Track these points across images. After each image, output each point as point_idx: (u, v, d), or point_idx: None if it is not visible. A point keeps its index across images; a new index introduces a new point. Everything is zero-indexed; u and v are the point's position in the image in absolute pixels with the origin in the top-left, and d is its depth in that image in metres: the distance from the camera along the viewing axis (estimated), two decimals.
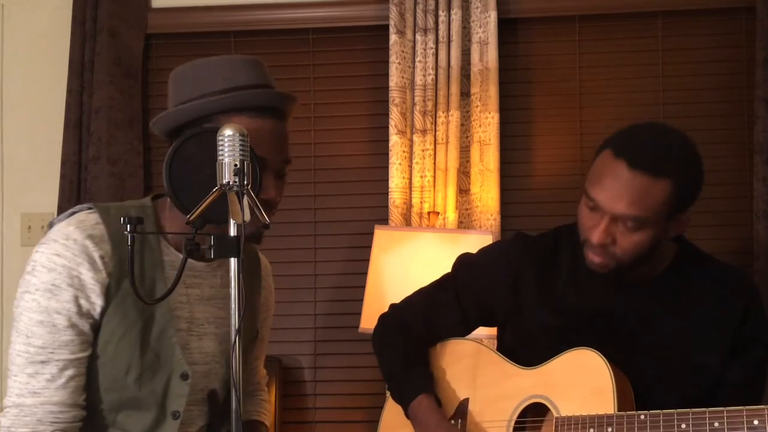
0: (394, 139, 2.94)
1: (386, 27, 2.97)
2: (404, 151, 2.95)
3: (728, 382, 1.71)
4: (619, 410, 1.59)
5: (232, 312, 1.25)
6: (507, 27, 3.03)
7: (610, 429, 1.58)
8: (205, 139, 1.34)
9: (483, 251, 1.94)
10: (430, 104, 2.95)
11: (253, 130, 1.33)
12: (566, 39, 3.07)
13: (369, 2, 3.07)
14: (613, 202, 1.59)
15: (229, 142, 1.22)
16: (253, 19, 3.14)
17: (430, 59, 2.95)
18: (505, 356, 1.80)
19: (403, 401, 1.80)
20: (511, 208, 3.01)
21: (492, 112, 2.91)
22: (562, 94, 3.07)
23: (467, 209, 2.97)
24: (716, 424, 1.50)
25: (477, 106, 2.93)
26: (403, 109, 2.95)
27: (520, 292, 1.81)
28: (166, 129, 1.51)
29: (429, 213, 2.87)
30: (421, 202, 2.94)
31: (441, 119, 2.94)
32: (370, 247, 2.68)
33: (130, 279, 1.26)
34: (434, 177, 2.95)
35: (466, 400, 1.80)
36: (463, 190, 2.98)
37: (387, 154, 2.96)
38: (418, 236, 2.65)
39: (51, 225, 1.51)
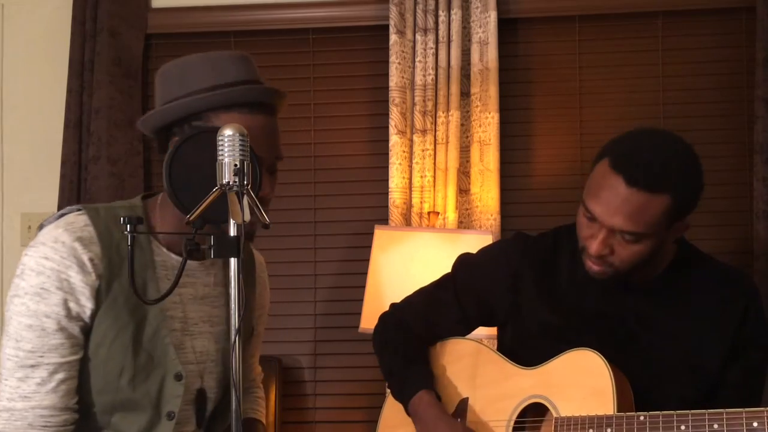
0: (394, 139, 2.94)
1: (386, 27, 2.97)
2: (404, 151, 2.94)
3: (728, 383, 1.70)
4: (618, 411, 1.59)
5: (233, 312, 1.25)
6: (507, 27, 3.02)
7: (609, 430, 1.58)
8: (204, 140, 1.33)
9: (483, 251, 1.94)
10: (430, 104, 2.95)
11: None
12: (566, 39, 3.07)
13: (369, 2, 3.07)
14: (611, 216, 1.58)
15: (228, 142, 1.22)
16: (253, 19, 3.14)
17: (430, 59, 2.95)
18: (505, 356, 1.80)
19: (404, 398, 1.80)
20: (511, 208, 3.01)
21: (492, 112, 2.91)
22: (562, 94, 3.07)
23: (467, 209, 2.97)
24: (716, 426, 1.50)
25: (477, 106, 2.93)
26: (403, 109, 2.94)
27: (520, 291, 1.81)
28: (153, 127, 1.50)
29: (429, 213, 2.87)
30: (421, 202, 2.94)
31: (441, 119, 2.94)
32: (369, 247, 2.68)
33: (130, 279, 1.25)
34: (434, 177, 2.94)
35: (466, 399, 1.80)
36: (463, 190, 2.98)
37: (387, 154, 2.96)
38: (418, 236, 2.65)
39: (41, 227, 1.49)
